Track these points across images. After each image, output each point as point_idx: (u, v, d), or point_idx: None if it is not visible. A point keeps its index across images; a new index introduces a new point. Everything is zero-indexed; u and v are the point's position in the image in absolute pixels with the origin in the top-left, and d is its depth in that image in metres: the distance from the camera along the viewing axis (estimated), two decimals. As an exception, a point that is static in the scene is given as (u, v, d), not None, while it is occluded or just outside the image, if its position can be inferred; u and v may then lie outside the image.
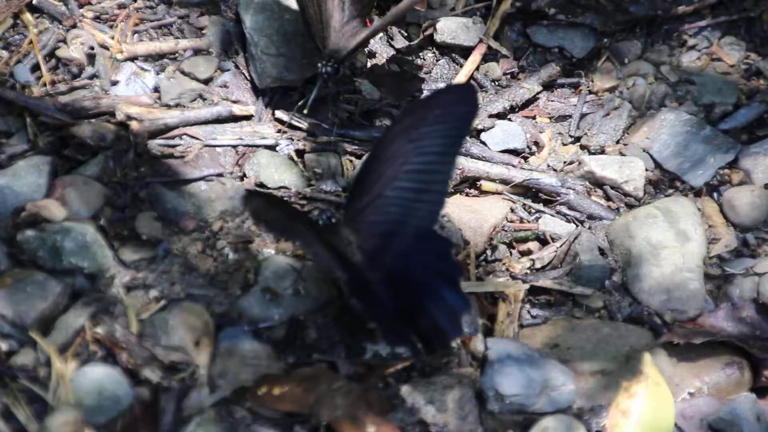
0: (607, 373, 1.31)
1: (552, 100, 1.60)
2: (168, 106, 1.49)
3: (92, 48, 1.52)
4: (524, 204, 1.49)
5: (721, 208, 1.49)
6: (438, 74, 1.59)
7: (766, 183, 1.50)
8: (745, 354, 1.33)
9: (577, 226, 1.46)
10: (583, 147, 1.55)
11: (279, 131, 1.49)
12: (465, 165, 1.48)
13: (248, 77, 1.53)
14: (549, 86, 1.60)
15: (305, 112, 1.49)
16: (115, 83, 1.51)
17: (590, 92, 1.60)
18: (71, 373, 1.24)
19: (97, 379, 1.24)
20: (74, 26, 1.54)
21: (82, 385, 1.23)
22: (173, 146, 1.46)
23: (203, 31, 1.57)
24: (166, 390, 1.25)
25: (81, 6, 1.56)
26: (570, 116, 1.58)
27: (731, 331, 1.36)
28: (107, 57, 1.52)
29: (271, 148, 1.48)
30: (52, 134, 1.44)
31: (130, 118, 1.45)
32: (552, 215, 1.48)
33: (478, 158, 1.51)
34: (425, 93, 1.56)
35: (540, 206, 1.49)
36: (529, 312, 1.39)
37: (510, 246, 1.45)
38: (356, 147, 1.49)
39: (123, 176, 1.41)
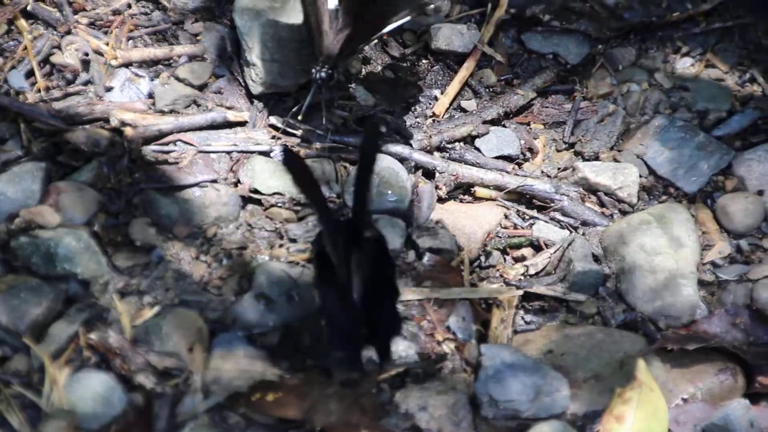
0: (601, 379, 1.31)
1: (546, 107, 1.60)
2: (162, 112, 1.49)
3: (87, 54, 1.52)
4: (518, 210, 1.49)
5: (715, 215, 1.50)
6: (432, 81, 1.59)
7: (760, 189, 1.51)
8: (738, 360, 1.33)
9: (570, 232, 1.47)
10: (577, 153, 1.55)
11: (273, 137, 1.49)
12: (459, 171, 1.49)
13: (242, 83, 1.53)
14: (543, 92, 1.60)
15: (299, 118, 1.49)
16: (109, 89, 1.51)
17: (584, 99, 1.60)
18: (65, 379, 1.24)
19: (91, 385, 1.24)
20: (69, 32, 1.54)
21: (76, 391, 1.23)
22: (167, 152, 1.45)
23: (198, 38, 1.57)
24: (159, 396, 1.25)
25: (75, 12, 1.56)
26: (564, 122, 1.58)
27: (725, 337, 1.36)
28: (102, 63, 1.52)
29: (266, 154, 1.48)
30: (46, 140, 1.44)
31: (124, 124, 1.45)
32: (546, 221, 1.48)
33: (473, 164, 1.51)
34: (420, 99, 1.57)
35: (534, 212, 1.49)
36: (522, 318, 1.39)
37: (504, 252, 1.45)
38: (350, 153, 1.49)
39: (117, 182, 1.41)
